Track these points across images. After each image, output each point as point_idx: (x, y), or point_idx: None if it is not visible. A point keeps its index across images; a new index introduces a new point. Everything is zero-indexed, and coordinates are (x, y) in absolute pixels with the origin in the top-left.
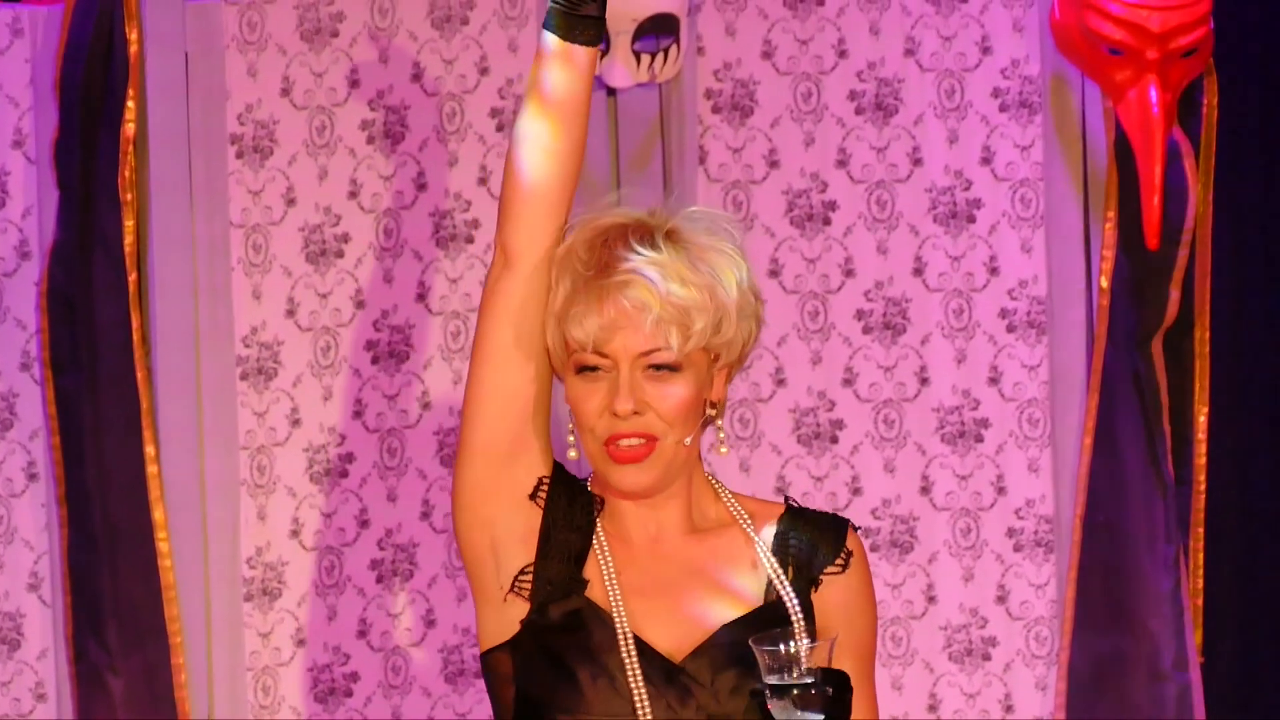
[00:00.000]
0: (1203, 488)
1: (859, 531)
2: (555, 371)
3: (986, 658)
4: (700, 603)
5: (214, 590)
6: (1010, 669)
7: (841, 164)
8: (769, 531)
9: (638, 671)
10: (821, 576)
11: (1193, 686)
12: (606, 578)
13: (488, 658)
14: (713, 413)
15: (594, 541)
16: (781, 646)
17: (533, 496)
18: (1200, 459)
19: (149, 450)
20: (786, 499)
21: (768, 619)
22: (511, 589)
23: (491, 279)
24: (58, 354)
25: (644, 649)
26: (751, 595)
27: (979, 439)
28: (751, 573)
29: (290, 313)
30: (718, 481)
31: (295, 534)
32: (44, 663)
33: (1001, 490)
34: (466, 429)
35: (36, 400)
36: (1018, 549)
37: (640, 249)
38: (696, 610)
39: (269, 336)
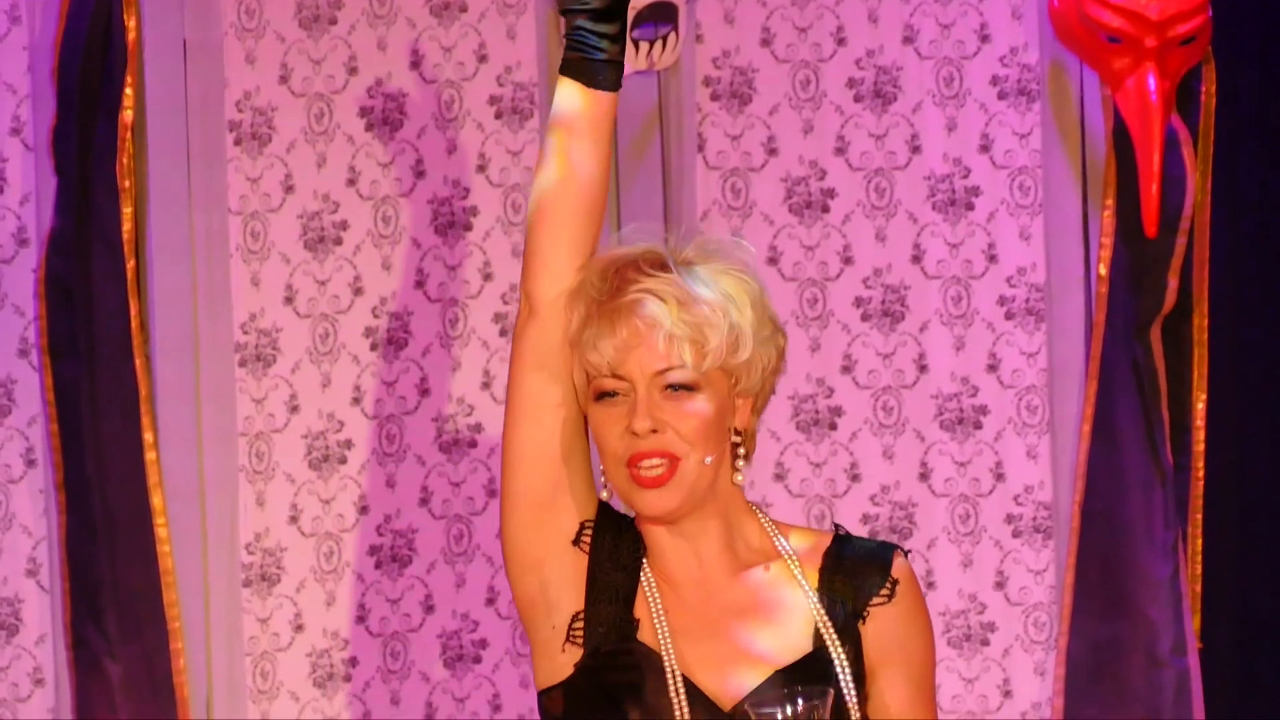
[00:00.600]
0: (1201, 474)
1: (909, 555)
2: (582, 410)
3: (985, 643)
4: (748, 648)
5: (213, 576)
6: (1009, 654)
7: (840, 151)
8: (814, 569)
9: (686, 715)
10: (869, 609)
11: (1191, 672)
12: (656, 618)
13: (543, 697)
14: (738, 440)
15: (641, 580)
16: (778, 710)
17: (575, 542)
18: (1199, 446)
19: (147, 437)
20: (836, 527)
21: (811, 667)
22: (568, 639)
23: (519, 329)
24: (56, 341)
25: (694, 693)
26: (798, 640)
27: (978, 426)
28: (798, 616)
29: (289, 300)
30: (763, 514)
31: (294, 520)
32: (42, 648)
33: (1000, 477)
34: (507, 478)
35: (35, 386)
36: (1016, 535)
37: (652, 271)
38: (744, 656)
39: (267, 323)
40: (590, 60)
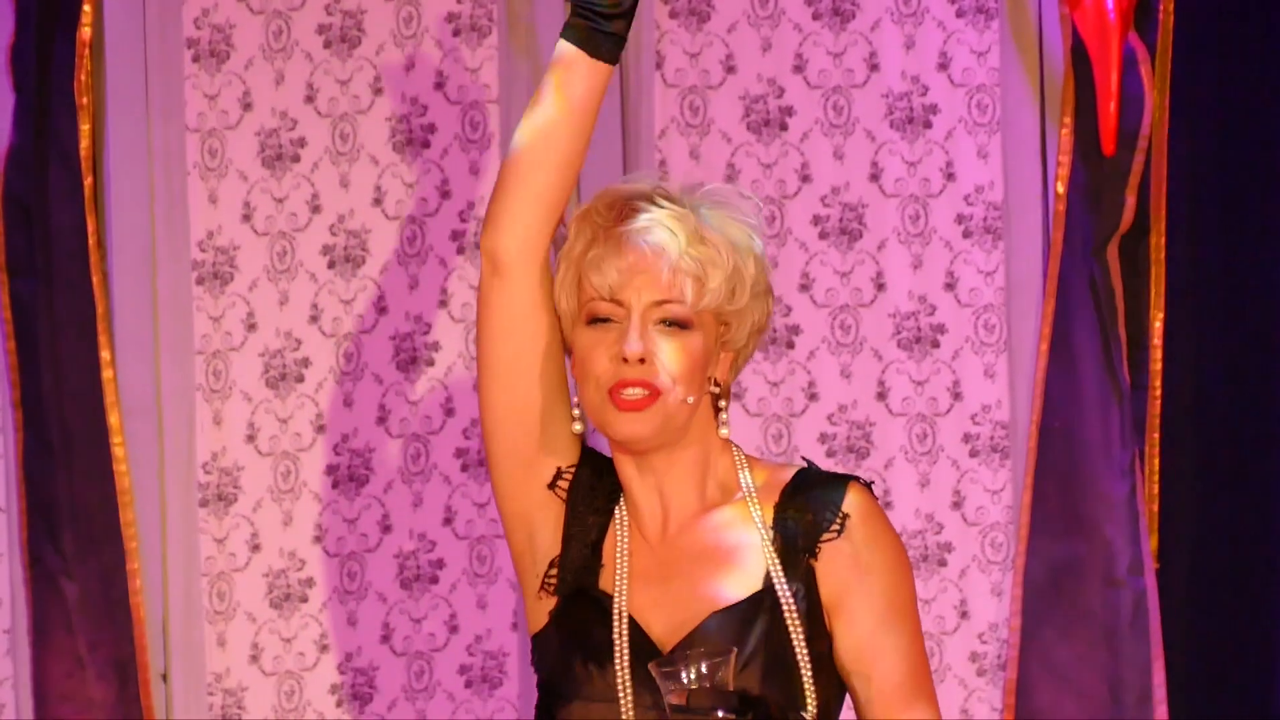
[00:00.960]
0: (1158, 393)
1: (870, 485)
2: (565, 337)
3: (942, 563)
4: (698, 589)
5: (169, 495)
6: (966, 575)
7: (798, 69)
8: (771, 505)
9: (626, 658)
10: (819, 546)
11: (1148, 592)
12: (619, 560)
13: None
14: (716, 390)
15: (615, 521)
16: (680, 669)
17: (551, 486)
18: (1156, 364)
19: (104, 355)
20: (806, 461)
21: (757, 608)
22: (542, 587)
23: (483, 292)
24: (13, 258)
25: (638, 636)
26: (750, 580)
27: (935, 345)
28: (752, 555)
29: (246, 217)
30: (739, 451)
31: (251, 439)
32: None
33: (958, 396)
34: (488, 440)
35: None
36: (973, 455)
37: (663, 204)
38: (694, 597)
39: (225, 241)
40: (598, 31)
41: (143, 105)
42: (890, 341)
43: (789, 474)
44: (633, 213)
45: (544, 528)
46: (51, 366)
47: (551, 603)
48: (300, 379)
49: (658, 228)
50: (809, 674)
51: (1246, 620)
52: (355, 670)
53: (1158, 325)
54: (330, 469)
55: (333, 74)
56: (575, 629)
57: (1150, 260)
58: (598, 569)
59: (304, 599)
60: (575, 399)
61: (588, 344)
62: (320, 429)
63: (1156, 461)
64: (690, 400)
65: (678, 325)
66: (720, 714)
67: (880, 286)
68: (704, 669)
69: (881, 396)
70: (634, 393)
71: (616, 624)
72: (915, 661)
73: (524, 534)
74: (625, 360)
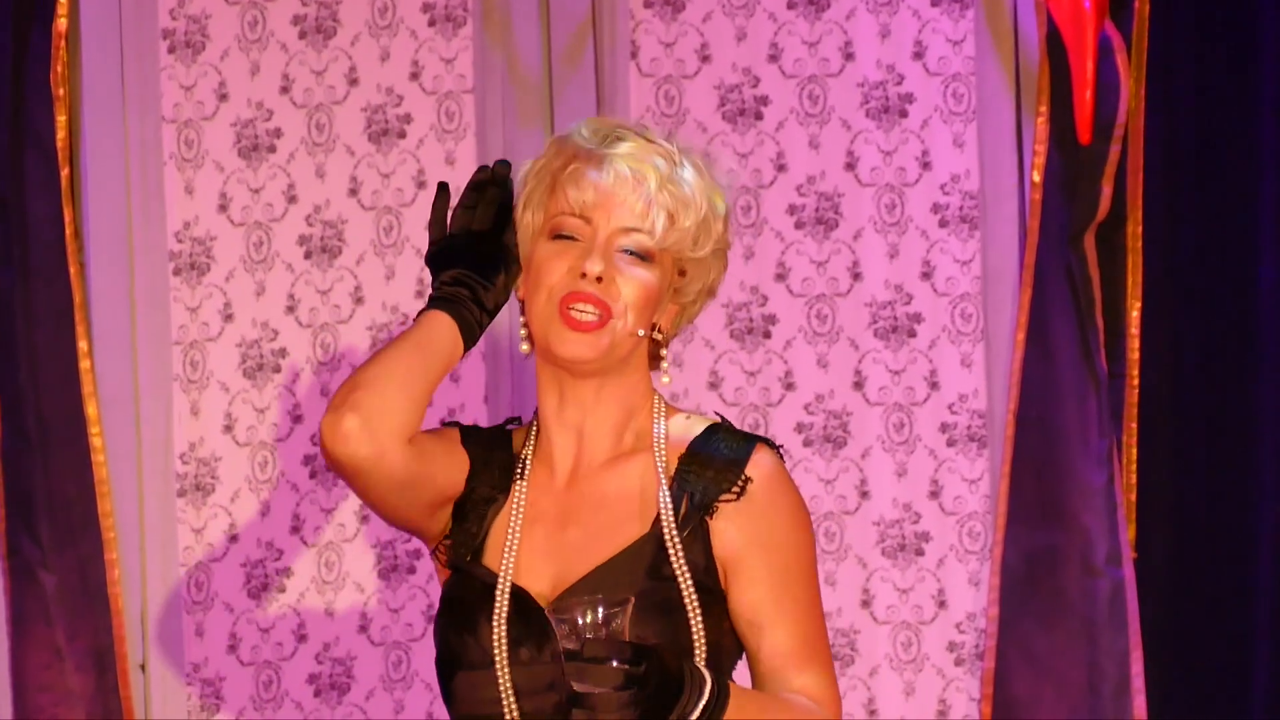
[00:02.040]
0: (1136, 382)
1: (780, 449)
2: (521, 252)
3: (920, 553)
4: (588, 540)
5: (147, 486)
6: (943, 564)
7: (773, 59)
8: (677, 457)
9: (503, 622)
10: (717, 504)
11: (1126, 582)
12: (513, 515)
13: None
14: (659, 337)
15: (514, 477)
16: (577, 615)
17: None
18: (1133, 353)
19: (81, 345)
20: (719, 417)
21: (642, 552)
22: (433, 555)
23: (353, 485)
24: None
25: (519, 594)
26: (639, 527)
27: (912, 334)
28: (646, 503)
29: (222, 207)
30: (660, 400)
31: (228, 429)
32: None
33: (935, 385)
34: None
35: None
36: (951, 444)
37: (651, 139)
38: (585, 546)
39: (201, 231)
40: (478, 325)
41: (119, 96)
42: (867, 331)
43: (699, 427)
44: (617, 140)
45: (446, 510)
46: (28, 357)
47: (446, 576)
48: (277, 369)
49: (641, 156)
50: (696, 619)
51: (1224, 610)
52: (333, 660)
53: (1135, 314)
54: (307, 459)
55: (308, 64)
56: (458, 599)
57: (1127, 249)
58: (483, 539)
59: (282, 589)
60: (522, 318)
61: (546, 255)
62: (298, 419)
63: (1134, 450)
64: (639, 333)
65: (640, 256)
66: (614, 664)
67: (856, 276)
68: (599, 616)
69: (858, 386)
70: (585, 311)
71: (500, 585)
72: (809, 628)
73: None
74: (584, 275)
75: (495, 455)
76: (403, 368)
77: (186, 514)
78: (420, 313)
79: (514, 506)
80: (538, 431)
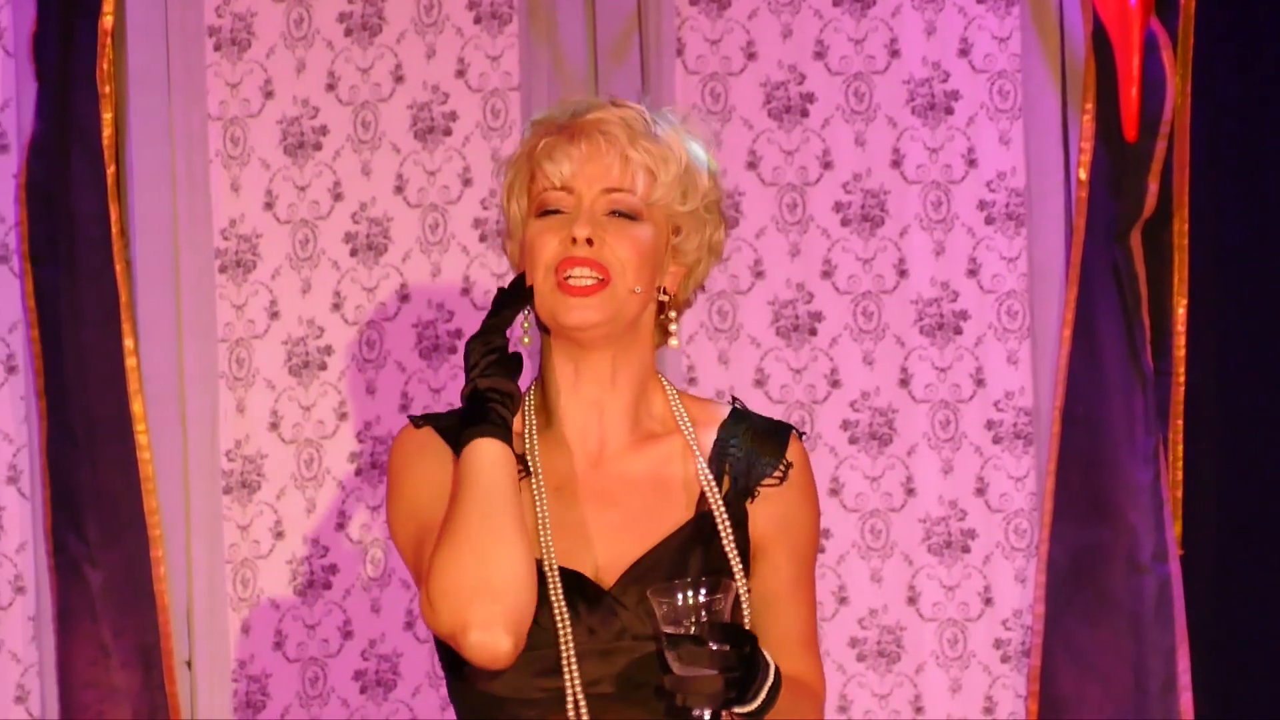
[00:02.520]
0: (1182, 379)
1: (803, 437)
2: (516, 243)
3: (966, 550)
4: (633, 522)
5: (193, 483)
6: (989, 561)
7: (819, 55)
8: (709, 438)
9: (561, 599)
10: (759, 489)
11: (1172, 579)
12: (536, 495)
13: None
14: (665, 299)
15: (528, 460)
16: (679, 597)
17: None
18: (1179, 350)
19: (128, 343)
20: (733, 400)
21: (693, 535)
22: None
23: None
24: (36, 246)
25: (570, 576)
26: (683, 510)
27: (958, 331)
28: (686, 485)
29: (269, 205)
30: (667, 382)
31: (274, 427)
32: (23, 555)
33: (980, 382)
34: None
35: (15, 293)
36: (997, 441)
37: (620, 102)
38: (629, 530)
39: (247, 229)
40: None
41: (165, 93)
42: (913, 328)
43: (723, 411)
44: (587, 110)
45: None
46: (74, 355)
47: None
48: (323, 366)
49: (613, 119)
50: (744, 601)
51: (1271, 606)
52: (379, 657)
53: (1181, 311)
54: (353, 456)
55: (354, 62)
56: None
57: (1173, 246)
58: None
59: (327, 586)
60: (527, 312)
61: (536, 233)
62: (343, 416)
63: (1180, 448)
64: (638, 290)
65: (627, 216)
66: (726, 647)
67: (902, 273)
68: (702, 597)
69: (904, 383)
70: (583, 274)
71: (548, 566)
72: (813, 616)
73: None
74: (574, 241)
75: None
76: (511, 544)
77: (232, 511)
78: (473, 442)
79: (534, 487)
80: (534, 409)
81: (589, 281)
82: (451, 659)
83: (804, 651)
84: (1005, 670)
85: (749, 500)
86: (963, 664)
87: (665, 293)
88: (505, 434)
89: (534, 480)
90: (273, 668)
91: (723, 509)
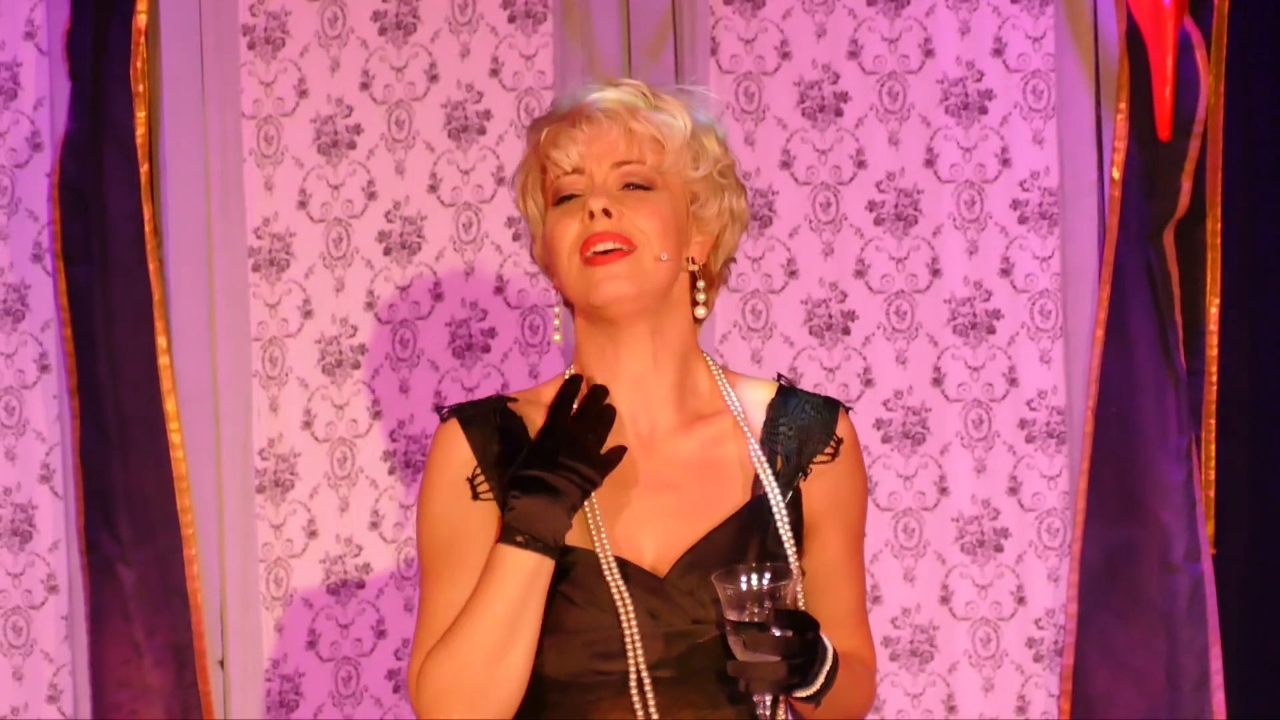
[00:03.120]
0: (1214, 379)
1: (850, 411)
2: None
3: (999, 549)
4: (689, 506)
5: (226, 482)
6: (1022, 560)
7: (853, 55)
8: (759, 418)
9: (620, 583)
10: (811, 466)
11: (1205, 578)
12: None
13: None
14: (694, 269)
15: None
16: (742, 582)
17: (475, 497)
18: (1212, 350)
19: (161, 341)
20: (779, 377)
21: (749, 519)
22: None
23: None
24: (69, 245)
25: (623, 564)
26: (738, 493)
27: (991, 330)
28: (740, 467)
29: (302, 204)
30: (713, 361)
31: (307, 425)
32: (56, 554)
33: (1013, 382)
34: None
35: (48, 292)
36: (1030, 440)
37: (615, 84)
38: (685, 515)
39: (281, 228)
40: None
41: (198, 92)
42: (946, 327)
43: (772, 390)
44: (586, 94)
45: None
46: (108, 354)
47: None
48: (356, 365)
49: (611, 97)
50: (799, 583)
51: None
52: None
53: (1214, 311)
54: (386, 455)
55: (388, 60)
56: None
57: (1206, 246)
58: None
59: (361, 585)
60: (554, 308)
61: (555, 222)
62: (376, 415)
63: (1213, 447)
64: (665, 258)
65: (642, 187)
66: (790, 634)
67: (936, 272)
68: (765, 583)
69: (937, 382)
70: (606, 245)
71: (603, 557)
72: (863, 591)
73: None
74: (593, 216)
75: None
76: (522, 664)
77: (265, 510)
78: (518, 553)
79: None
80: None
81: (612, 247)
82: None
83: (856, 627)
84: (1038, 669)
85: (802, 478)
86: (995, 663)
87: (693, 262)
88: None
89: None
90: (306, 667)
91: (777, 492)
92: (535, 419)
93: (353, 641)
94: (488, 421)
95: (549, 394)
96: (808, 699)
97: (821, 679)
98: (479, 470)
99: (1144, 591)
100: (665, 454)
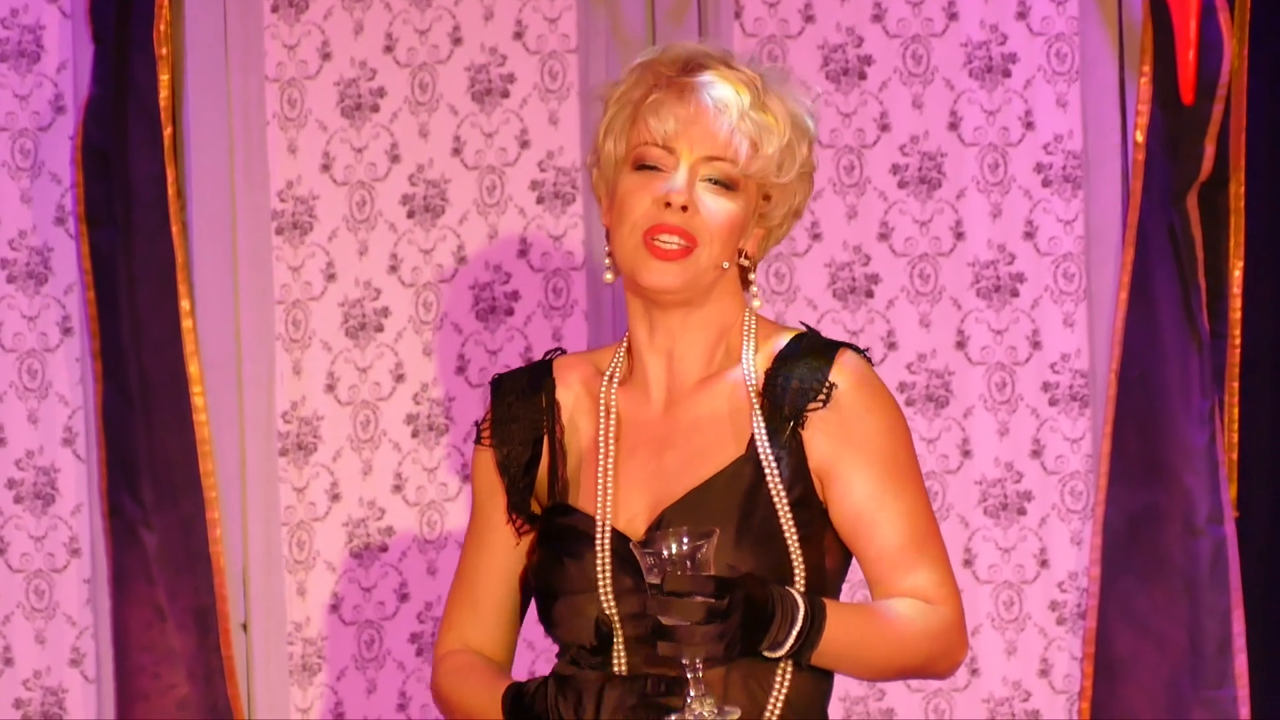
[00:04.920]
0: (1238, 342)
1: (865, 352)
2: (605, 182)
3: (1022, 512)
4: (682, 465)
5: (249, 445)
6: (1045, 523)
7: (877, 19)
8: (765, 372)
9: (606, 551)
10: (805, 415)
11: (1227, 541)
12: (602, 457)
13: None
14: (746, 263)
15: (600, 413)
16: (663, 549)
17: (478, 441)
18: (1235, 313)
19: (184, 305)
20: (804, 325)
21: (739, 474)
22: (517, 530)
23: None
24: (93, 208)
25: (618, 533)
26: (733, 448)
27: (1014, 293)
28: (739, 423)
29: (325, 167)
30: (750, 315)
31: (330, 389)
32: (78, 518)
33: (1037, 344)
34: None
35: (71, 255)
36: (1053, 403)
37: (734, 65)
38: (677, 474)
39: (304, 191)
40: None
41: (222, 55)
42: (969, 290)
43: (784, 340)
44: (699, 68)
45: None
46: (131, 317)
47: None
48: (380, 329)
49: (722, 84)
50: (795, 543)
51: None
52: (435, 620)
53: (1237, 274)
54: (410, 418)
55: (412, 24)
56: (558, 535)
57: (1230, 209)
58: (564, 483)
59: (384, 548)
60: (607, 247)
61: (630, 186)
62: (400, 378)
63: (1236, 410)
64: (724, 265)
65: (724, 185)
66: (697, 598)
67: (959, 235)
68: (684, 546)
69: (961, 345)
70: (670, 240)
71: (599, 525)
72: (916, 523)
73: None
74: (668, 205)
75: (519, 412)
76: None
77: (288, 473)
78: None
79: (602, 439)
80: (627, 353)
81: (674, 246)
82: (538, 607)
83: (912, 566)
84: (1061, 633)
85: (800, 428)
86: (1018, 626)
87: (745, 256)
88: None
89: (603, 434)
90: (329, 630)
91: (767, 446)
92: (571, 381)
93: (375, 605)
94: (517, 382)
95: (601, 360)
96: (785, 658)
97: (791, 640)
98: (488, 420)
99: (1167, 555)
100: (679, 414)
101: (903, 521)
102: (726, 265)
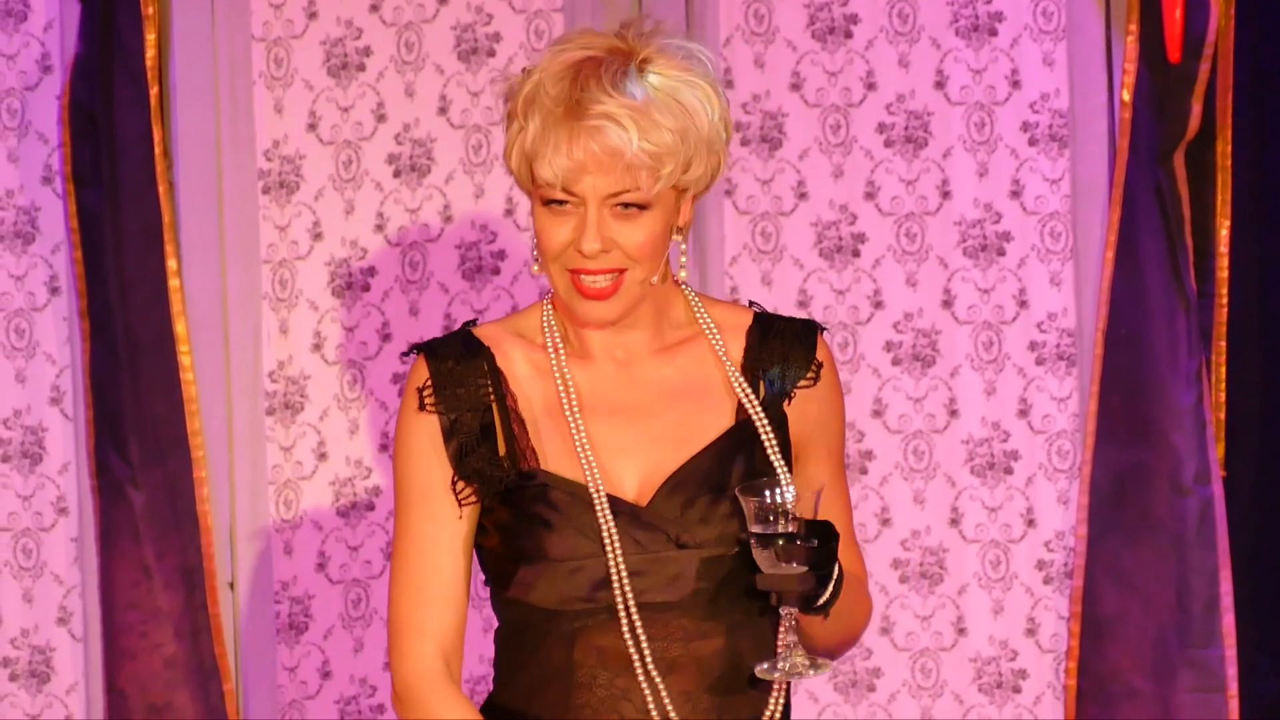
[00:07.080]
0: (1225, 301)
1: (825, 333)
2: (523, 190)
3: (1009, 471)
4: (672, 432)
5: (236, 404)
6: (1032, 483)
7: None
8: (738, 346)
9: (609, 514)
10: (795, 391)
11: (1214, 500)
12: (574, 426)
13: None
14: (678, 238)
15: (556, 380)
16: (767, 495)
17: (421, 408)
18: (1222, 272)
19: (171, 264)
20: (752, 304)
21: (735, 442)
22: (460, 501)
23: None
24: (79, 168)
25: (614, 500)
26: (721, 418)
27: (1001, 252)
28: (721, 392)
29: (312, 126)
30: (688, 288)
31: (317, 348)
32: (66, 476)
33: (1024, 304)
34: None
35: (59, 214)
36: (1040, 363)
37: (613, 91)
38: (665, 442)
39: (290, 150)
40: None
41: (208, 14)
42: (956, 249)
43: (748, 315)
44: (583, 99)
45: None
46: (117, 276)
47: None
48: (366, 288)
49: (609, 127)
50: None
51: None
52: None
53: (1224, 233)
54: (396, 378)
55: None
56: (535, 501)
57: (1216, 168)
58: (527, 449)
59: (370, 507)
60: (534, 248)
61: (545, 225)
62: (386, 337)
63: (1223, 369)
64: (655, 280)
65: (636, 207)
66: (814, 542)
67: (946, 194)
68: (789, 495)
69: (947, 304)
70: (598, 281)
71: (594, 489)
72: (850, 507)
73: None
74: (584, 254)
75: (462, 377)
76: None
77: (275, 432)
78: None
79: (567, 409)
80: (558, 324)
81: (605, 283)
82: (498, 571)
83: (849, 543)
84: (1047, 592)
85: (786, 402)
86: (1005, 585)
87: (678, 231)
88: None
89: (566, 402)
90: (315, 589)
91: (762, 415)
92: (506, 349)
93: (362, 564)
94: (451, 348)
95: (524, 324)
96: (818, 609)
97: (831, 587)
98: (430, 385)
99: (1154, 514)
100: (645, 382)
101: (846, 504)
102: (655, 280)
